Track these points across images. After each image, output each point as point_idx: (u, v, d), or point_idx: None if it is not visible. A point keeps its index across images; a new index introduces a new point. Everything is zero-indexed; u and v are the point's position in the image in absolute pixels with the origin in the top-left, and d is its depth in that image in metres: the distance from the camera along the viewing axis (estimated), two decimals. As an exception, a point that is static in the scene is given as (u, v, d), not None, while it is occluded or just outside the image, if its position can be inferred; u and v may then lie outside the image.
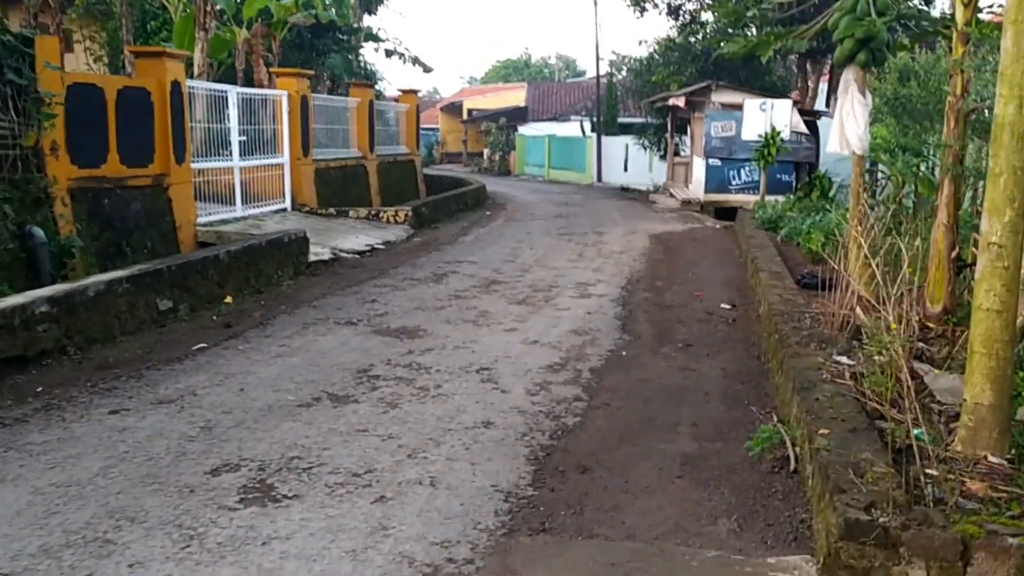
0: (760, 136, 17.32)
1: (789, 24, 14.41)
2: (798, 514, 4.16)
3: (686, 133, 24.46)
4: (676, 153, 24.86)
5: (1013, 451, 4.25)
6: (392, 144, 21.28)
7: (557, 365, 6.80)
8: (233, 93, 13.54)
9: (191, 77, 14.68)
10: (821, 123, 18.47)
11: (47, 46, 9.29)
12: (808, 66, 23.17)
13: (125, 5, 18.97)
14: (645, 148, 27.92)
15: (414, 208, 15.95)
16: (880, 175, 13.99)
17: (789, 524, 4.06)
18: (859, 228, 7.47)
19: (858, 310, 6.66)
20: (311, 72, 17.42)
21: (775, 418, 5.45)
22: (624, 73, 32.47)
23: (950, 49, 8.84)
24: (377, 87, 24.51)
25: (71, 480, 4.42)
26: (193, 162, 12.07)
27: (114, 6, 20.06)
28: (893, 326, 4.78)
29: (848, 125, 7.83)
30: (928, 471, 3.96)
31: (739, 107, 18.40)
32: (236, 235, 11.46)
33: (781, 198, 16.50)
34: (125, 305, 7.60)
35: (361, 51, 25.03)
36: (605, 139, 31.50)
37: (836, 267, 6.88)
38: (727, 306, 9.18)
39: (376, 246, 13.15)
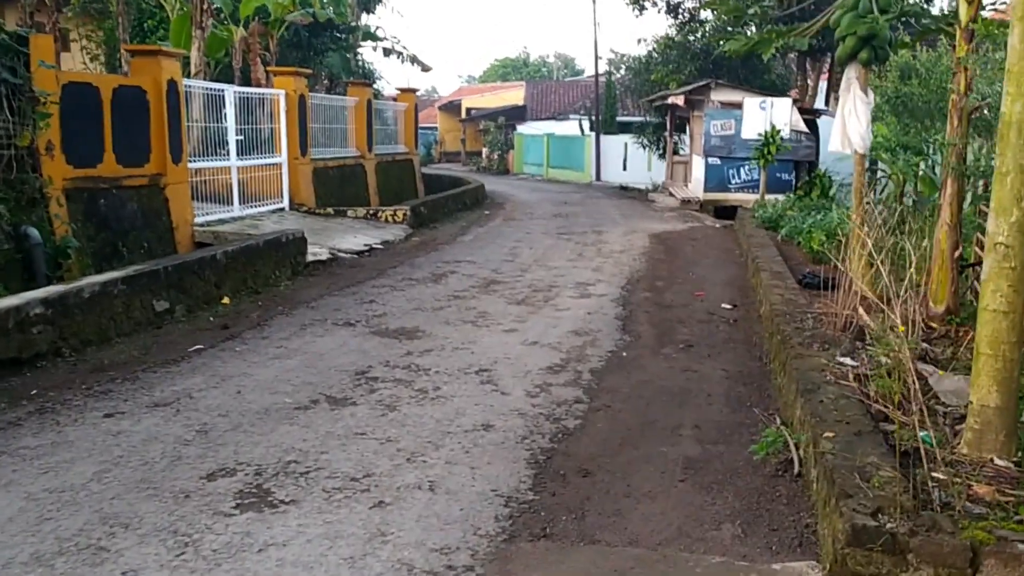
0: (760, 135, 17.25)
1: (789, 22, 14.36)
2: (803, 519, 4.10)
3: (685, 132, 24.40)
4: (675, 152, 24.81)
5: (1020, 454, 4.19)
6: (390, 143, 21.20)
7: (557, 366, 6.74)
8: (230, 92, 13.46)
9: (188, 76, 14.59)
10: (821, 121, 18.42)
11: (42, 45, 9.21)
12: (808, 64, 23.15)
13: (121, 4, 18.86)
14: (644, 147, 27.87)
15: (412, 208, 15.88)
16: (880, 174, 13.93)
17: (794, 529, 4.00)
18: (862, 227, 7.41)
19: (861, 310, 6.60)
20: (309, 71, 17.35)
21: (778, 420, 5.39)
22: (623, 72, 32.47)
23: (952, 47, 8.78)
24: (375, 86, 24.47)
25: (64, 485, 4.35)
26: (190, 162, 12.00)
27: (110, 5, 19.95)
28: (901, 328, 4.71)
29: (850, 123, 7.78)
30: (934, 474, 3.91)
31: (738, 106, 18.34)
32: (233, 235, 11.39)
33: (781, 197, 16.44)
34: (121, 306, 7.53)
35: (359, 50, 24.97)
36: (604, 138, 31.44)
37: (840, 266, 6.82)
38: (728, 306, 9.12)
39: (374, 246, 13.08)
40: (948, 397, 5.12)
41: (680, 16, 24.42)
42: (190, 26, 15.99)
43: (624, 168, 29.90)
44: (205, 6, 15.69)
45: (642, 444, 5.12)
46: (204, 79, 15.06)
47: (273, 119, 14.79)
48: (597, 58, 33.74)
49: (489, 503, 4.24)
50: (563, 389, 6.16)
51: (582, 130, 33.24)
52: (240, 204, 13.51)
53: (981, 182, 8.08)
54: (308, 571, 3.56)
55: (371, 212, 15.56)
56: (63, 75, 9.86)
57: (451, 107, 48.47)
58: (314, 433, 5.16)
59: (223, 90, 13.38)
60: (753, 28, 19.46)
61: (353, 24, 23.51)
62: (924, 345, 6.21)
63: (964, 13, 6.58)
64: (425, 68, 24.94)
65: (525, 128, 37.76)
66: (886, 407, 4.74)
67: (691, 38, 24.11)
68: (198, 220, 11.96)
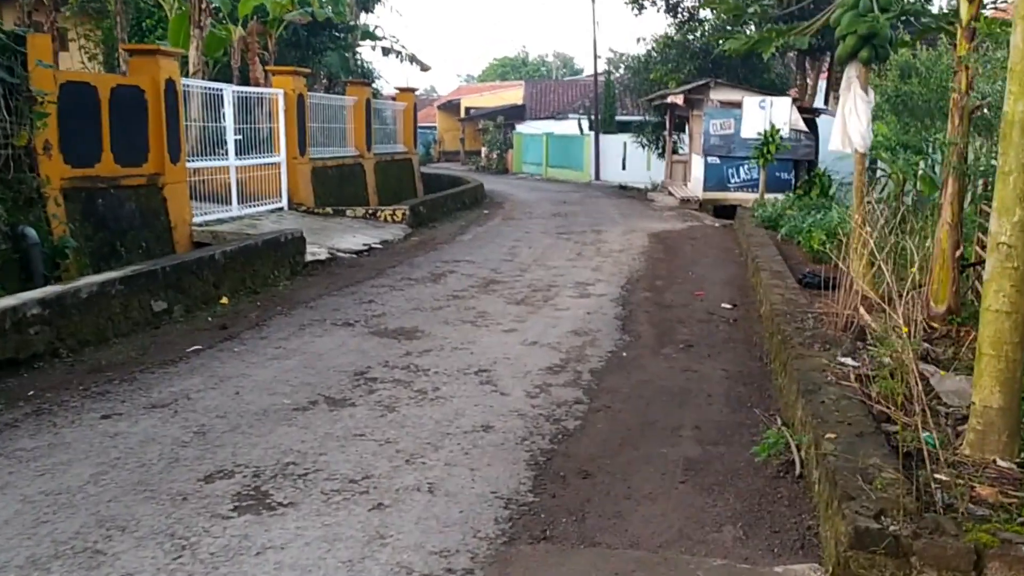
0: (759, 134, 17.23)
1: (789, 21, 14.33)
2: (804, 520, 4.07)
3: (684, 131, 24.38)
4: (674, 151, 24.78)
5: (1022, 455, 4.17)
6: (389, 143, 21.16)
7: (557, 367, 6.71)
8: (229, 91, 13.42)
9: (186, 75, 14.55)
10: (820, 121, 18.41)
11: (39, 44, 9.16)
12: (807, 63, 23.12)
13: (119, 3, 18.83)
14: (643, 146, 27.84)
15: (412, 207, 15.85)
16: (880, 173, 13.90)
17: (796, 531, 3.98)
18: (863, 227, 7.38)
19: (862, 310, 6.57)
20: (307, 70, 17.31)
21: (779, 421, 5.36)
22: (622, 71, 32.46)
23: (952, 46, 8.74)
24: (374, 85, 24.43)
25: (61, 488, 4.32)
26: (188, 161, 11.96)
27: (109, 4, 19.92)
28: (904, 329, 4.68)
29: (851, 122, 7.75)
30: (937, 476, 3.88)
31: (738, 105, 18.31)
32: (232, 235, 11.35)
33: (780, 196, 16.42)
34: (118, 307, 7.50)
35: (358, 49, 24.92)
36: (603, 137, 31.42)
37: (840, 266, 6.79)
38: (728, 306, 9.10)
39: (373, 245, 13.05)
40: (950, 398, 5.09)
41: (679, 15, 24.40)
42: (188, 25, 15.94)
43: (623, 167, 29.87)
44: (203, 5, 15.64)
45: (642, 445, 5.09)
46: (202, 78, 15.01)
47: (272, 118, 14.75)
48: (596, 57, 33.71)
49: (489, 505, 4.21)
50: (563, 389, 6.13)
51: (581, 129, 33.21)
52: (239, 204, 13.48)
53: (981, 181, 8.06)
54: (306, 575, 3.53)
55: (370, 212, 15.53)
56: (61, 74, 9.82)
57: (450, 106, 48.44)
58: (313, 434, 5.13)
59: (221, 89, 13.34)
60: (752, 27, 19.43)
61: (352, 23, 23.48)
62: (925, 345, 6.19)
63: (965, 12, 6.55)
64: (424, 67, 24.92)
65: (524, 127, 37.73)
66: (888, 408, 4.72)
67: (690, 37, 24.08)
68: (196, 220, 11.92)
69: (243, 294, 9.35)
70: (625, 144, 29.64)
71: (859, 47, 7.60)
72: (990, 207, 7.14)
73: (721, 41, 14.30)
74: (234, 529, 3.90)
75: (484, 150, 39.82)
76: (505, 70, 68.64)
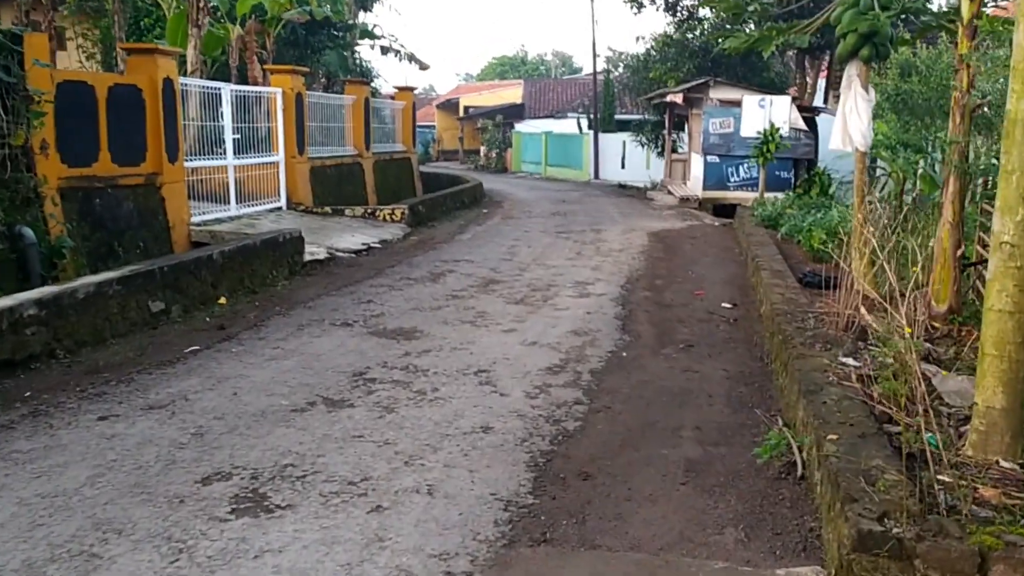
0: (759, 133, 17.20)
1: (788, 19, 14.30)
2: (807, 522, 4.04)
3: (684, 130, 24.33)
4: (674, 150, 24.74)
5: (1026, 456, 4.14)
6: (388, 142, 21.12)
7: (557, 367, 6.68)
8: (227, 90, 13.38)
9: (184, 74, 14.52)
10: (820, 119, 18.38)
11: (36, 43, 9.13)
12: (807, 62, 23.09)
13: (117, 2, 18.78)
14: (642, 145, 27.80)
15: (411, 206, 15.81)
16: (880, 172, 13.87)
17: (798, 533, 3.95)
18: (865, 226, 7.35)
19: (863, 310, 6.54)
20: (306, 69, 17.27)
21: (780, 422, 5.33)
22: (621, 70, 32.40)
23: (952, 44, 8.70)
24: (373, 84, 24.36)
25: (57, 490, 4.29)
26: (186, 160, 11.92)
27: (106, 3, 19.88)
28: (908, 330, 4.65)
29: (851, 121, 7.71)
30: (940, 477, 3.85)
31: (737, 103, 18.28)
32: (230, 235, 11.32)
33: (780, 195, 16.39)
34: (116, 307, 7.46)
35: (356, 48, 24.87)
36: (602, 136, 31.38)
37: (842, 264, 6.76)
38: (728, 305, 9.07)
39: (372, 245, 13.02)
40: (952, 398, 5.06)
41: (679, 14, 24.35)
42: (186, 24, 15.90)
43: (623, 166, 29.83)
44: (201, 4, 15.60)
45: (643, 446, 5.06)
46: (200, 77, 14.97)
47: (270, 117, 14.71)
48: (595, 56, 33.63)
49: (488, 507, 4.18)
50: (563, 390, 6.10)
51: (580, 128, 33.17)
52: (237, 203, 13.44)
53: (980, 180, 8.03)
54: (304, 578, 3.50)
55: (369, 211, 15.49)
56: (58, 73, 9.79)
57: (449, 105, 48.39)
58: (311, 436, 5.10)
59: (220, 88, 13.30)
60: (752, 25, 19.40)
61: (350, 22, 23.43)
62: (927, 345, 6.15)
63: (966, 10, 6.51)
64: (423, 66, 24.88)
65: (523, 126, 37.69)
66: (890, 409, 4.69)
67: (689, 36, 24.05)
68: (195, 219, 11.89)
69: (241, 294, 9.31)
70: (624, 143, 29.59)
71: (860, 45, 7.56)
72: (991, 206, 7.13)
73: (721, 40, 14.25)
74: (231, 532, 3.87)
75: (483, 149, 39.77)
76: (504, 69, 68.60)
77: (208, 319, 8.24)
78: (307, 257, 11.20)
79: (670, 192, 22.00)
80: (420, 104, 38.05)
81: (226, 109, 13.20)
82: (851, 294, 6.62)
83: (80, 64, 21.27)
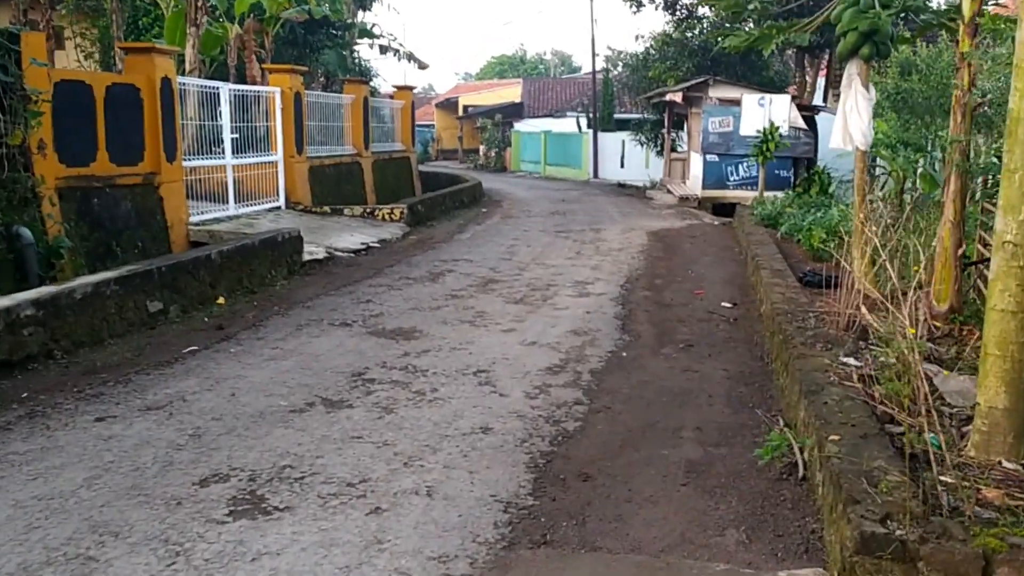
0: (758, 131, 17.17)
1: (788, 18, 14.27)
2: (808, 524, 4.01)
3: (683, 129, 24.31)
4: (673, 149, 24.71)
5: (1029, 456, 4.11)
6: (387, 141, 21.08)
7: (556, 367, 6.65)
8: (225, 90, 13.35)
9: (182, 74, 14.49)
10: (819, 118, 18.36)
11: (33, 42, 9.09)
12: (806, 61, 23.07)
13: (115, 1, 18.72)
14: (642, 144, 27.78)
15: (410, 206, 15.78)
16: (879, 171, 13.85)
17: (799, 535, 3.92)
18: (866, 225, 7.32)
19: (864, 310, 6.51)
20: (305, 68, 17.22)
21: (781, 422, 5.31)
22: (620, 69, 32.33)
23: (953, 42, 8.67)
24: (372, 84, 24.31)
25: (54, 492, 4.26)
26: (185, 160, 11.89)
27: (105, 2, 19.81)
28: (912, 331, 4.62)
29: (851, 120, 7.68)
30: (943, 478, 3.82)
31: (737, 102, 18.26)
32: (229, 234, 11.29)
33: (780, 194, 16.36)
34: (114, 307, 7.43)
35: (355, 47, 24.82)
36: (601, 135, 31.34)
37: (844, 264, 6.73)
38: (728, 305, 9.04)
39: (371, 244, 12.99)
40: (954, 398, 5.03)
41: (678, 12, 24.32)
42: (185, 23, 15.86)
43: (622, 165, 29.80)
44: (200, 3, 15.56)
45: (643, 446, 5.03)
46: (199, 77, 14.94)
47: (269, 117, 14.68)
48: (594, 55, 33.59)
49: (488, 509, 4.15)
50: (562, 390, 6.07)
51: (579, 127, 33.14)
52: (236, 203, 13.40)
53: (980, 179, 8.00)
54: (302, 581, 3.47)
55: (368, 210, 15.46)
56: (55, 73, 9.76)
57: (448, 104, 48.35)
58: (309, 437, 5.07)
59: (218, 88, 13.26)
60: (751, 24, 19.36)
61: (349, 21, 23.36)
62: (928, 344, 6.13)
63: (967, 7, 6.48)
64: (422, 65, 24.83)
65: (522, 125, 37.65)
66: (892, 409, 4.66)
67: (689, 34, 24.02)
68: (193, 219, 11.86)
69: (240, 294, 9.28)
70: (623, 142, 29.57)
71: (860, 44, 7.53)
72: (991, 205, 7.10)
73: (720, 38, 14.22)
74: (229, 534, 3.84)
75: (482, 148, 39.73)
76: (503, 68, 68.54)
77: (206, 319, 8.21)
78: (306, 257, 11.17)
79: (669, 191, 21.97)
80: (419, 103, 38.03)
81: (224, 108, 13.16)
82: (852, 293, 6.59)
83: (78, 63, 21.21)
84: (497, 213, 18.71)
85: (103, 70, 19.58)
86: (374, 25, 31.96)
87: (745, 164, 18.34)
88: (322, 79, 22.88)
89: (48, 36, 17.35)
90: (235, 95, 13.62)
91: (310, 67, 20.31)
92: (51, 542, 3.76)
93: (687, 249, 13.32)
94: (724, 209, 17.92)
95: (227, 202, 13.20)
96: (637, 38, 30.24)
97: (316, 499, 4.21)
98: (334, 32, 21.76)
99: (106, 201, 10.18)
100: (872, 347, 5.91)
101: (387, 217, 15.18)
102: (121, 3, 19.08)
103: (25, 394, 5.84)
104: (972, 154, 7.55)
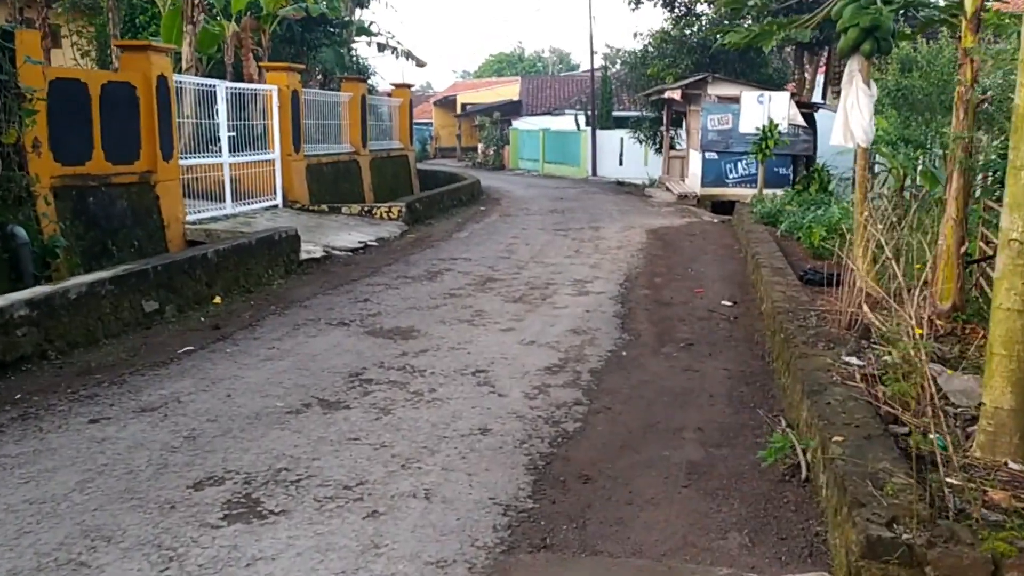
0: (757, 129, 17.10)
1: (788, 14, 14.19)
2: (812, 527, 3.95)
3: (682, 126, 24.25)
4: (672, 147, 24.65)
5: (1036, 458, 4.05)
6: (385, 139, 21.00)
7: (556, 367, 6.58)
8: (222, 88, 13.26)
9: (179, 72, 14.41)
10: (819, 115, 18.30)
11: (28, 40, 9.01)
12: (805, 58, 23.01)
13: (112, -1, 18.66)
14: (640, 142, 27.72)
15: (408, 204, 15.71)
16: (878, 168, 13.80)
17: (803, 538, 3.86)
18: (869, 222, 7.25)
19: (866, 308, 6.45)
20: (302, 66, 17.15)
21: (783, 422, 5.25)
22: (619, 66, 32.30)
23: (953, 38, 8.60)
24: (369, 82, 24.23)
25: (46, 496, 4.19)
26: (181, 158, 11.81)
27: (101, 0, 19.73)
28: (919, 331, 4.56)
29: (853, 117, 7.62)
30: (949, 480, 3.76)
31: (736, 100, 18.19)
32: (226, 233, 11.22)
33: (779, 191, 16.30)
34: (109, 307, 7.36)
35: (353, 45, 24.74)
36: (600, 133, 31.28)
37: (847, 260, 6.66)
38: (728, 303, 8.98)
39: (369, 243, 12.92)
40: (958, 397, 4.97)
41: (676, 10, 24.25)
42: (181, 21, 15.80)
43: (620, 163, 29.74)
44: (197, 1, 15.49)
45: (644, 448, 4.97)
46: (196, 75, 14.86)
47: (266, 115, 14.60)
48: (593, 53, 33.53)
49: (487, 512, 4.08)
50: (562, 390, 6.00)
51: (578, 125, 33.08)
52: (233, 201, 13.32)
53: (980, 176, 7.94)
54: (298, 587, 3.41)
55: (366, 209, 15.39)
56: (50, 71, 9.68)
57: (446, 102, 48.27)
58: (306, 438, 5.00)
59: (215, 86, 13.17)
60: (750, 20, 19.30)
61: (347, 19, 23.28)
62: (931, 343, 6.07)
63: (970, 3, 6.42)
64: (420, 63, 24.74)
65: (520, 123, 37.59)
66: (896, 409, 4.60)
67: (687, 32, 23.95)
68: (190, 218, 11.78)
69: (236, 293, 9.21)
70: (622, 140, 29.51)
71: (861, 40, 7.47)
72: (993, 202, 7.04)
73: (719, 35, 14.16)
74: (223, 539, 3.77)
75: (480, 146, 39.67)
76: (501, 66, 68.43)
77: (203, 319, 8.14)
78: (303, 256, 11.10)
79: (668, 189, 21.91)
80: (417, 101, 37.94)
81: (221, 106, 13.08)
82: (853, 292, 6.53)
83: (75, 62, 21.13)
84: (495, 211, 18.64)
85: (100, 68, 19.48)
86: (372, 23, 31.88)
87: (744, 162, 18.28)
88: (319, 77, 22.81)
89: (44, 34, 17.29)
90: (232, 93, 13.54)
91: (307, 65, 20.25)
92: (42, 547, 3.69)
93: (686, 247, 13.26)
94: (723, 207, 17.86)
95: (224, 201, 13.11)
96: (636, 35, 30.26)
97: (312, 502, 4.15)
98: (331, 30, 21.70)
99: (102, 200, 10.10)
100: (874, 346, 5.85)
101: (385, 215, 15.11)
102: (118, 1, 19.02)
103: (18, 395, 5.77)
104: (972, 151, 7.49)
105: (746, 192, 17.76)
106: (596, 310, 8.62)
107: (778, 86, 21.50)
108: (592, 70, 33.17)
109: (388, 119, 21.45)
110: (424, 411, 5.51)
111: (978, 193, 7.78)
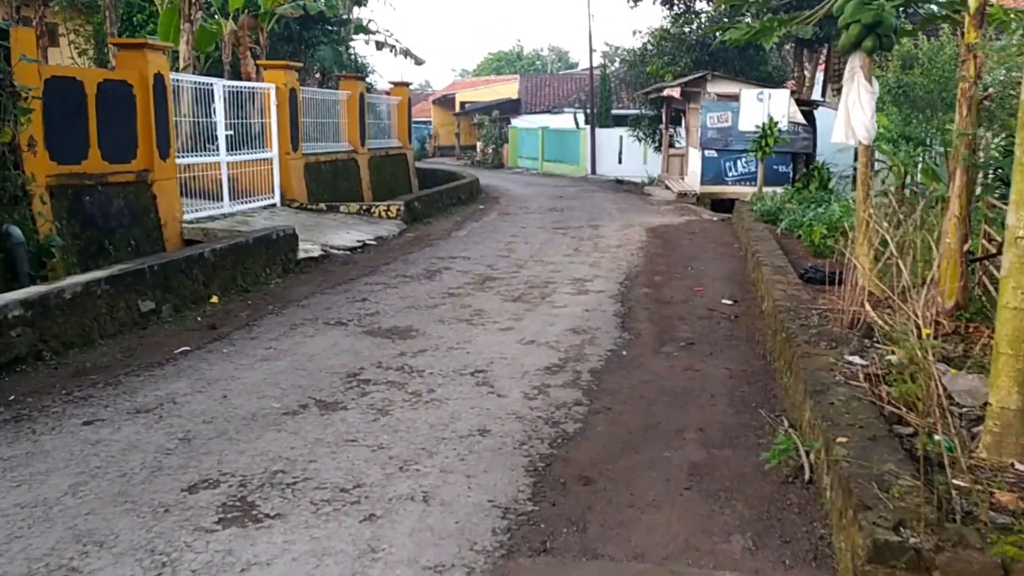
0: (757, 127, 17.03)
1: (787, 11, 14.13)
2: (816, 529, 3.89)
3: (681, 124, 24.18)
4: (671, 145, 24.58)
5: (1043, 458, 3.99)
6: (384, 137, 20.93)
7: (555, 366, 6.52)
8: (219, 86, 13.19)
9: (177, 70, 14.34)
10: (818, 113, 18.22)
11: (23, 38, 8.94)
12: (805, 55, 22.94)
13: (109, -3, 18.56)
14: (639, 140, 27.65)
15: (406, 203, 15.65)
16: (879, 165, 13.74)
17: (808, 541, 3.79)
18: (872, 220, 7.19)
19: (868, 307, 6.39)
20: (300, 64, 17.08)
21: (786, 423, 5.19)
22: (618, 64, 32.23)
23: (955, 35, 8.53)
24: (368, 80, 24.15)
25: (38, 500, 4.12)
26: (178, 157, 11.74)
27: (98, -1, 19.66)
28: (927, 331, 4.50)
29: (854, 114, 7.55)
30: (955, 482, 3.70)
31: (735, 97, 18.12)
32: (223, 232, 11.15)
33: (779, 189, 16.23)
34: (104, 307, 7.29)
35: (351, 43, 24.66)
36: (599, 131, 31.20)
37: (850, 258, 6.60)
38: (729, 302, 8.92)
39: (367, 242, 12.85)
40: (963, 397, 4.91)
41: (675, 7, 24.18)
42: (179, 19, 15.72)
43: (619, 161, 29.66)
44: (193, -1, 15.42)
45: (645, 449, 4.91)
46: (193, 73, 14.79)
47: (264, 113, 14.53)
48: (592, 51, 33.42)
49: (486, 515, 4.02)
50: (562, 391, 5.94)
51: (577, 123, 32.99)
52: (230, 200, 13.25)
53: (981, 174, 7.88)
54: (294, 592, 3.35)
55: (364, 207, 15.33)
56: (46, 69, 9.61)
57: (445, 101, 48.18)
58: (302, 440, 4.94)
59: (212, 84, 13.10)
60: (749, 18, 19.23)
61: (345, 17, 23.20)
62: (936, 343, 6.01)
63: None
64: (418, 62, 24.67)
65: (519, 122, 37.51)
66: (900, 409, 4.54)
67: (687, 29, 23.87)
68: (187, 217, 11.71)
69: (234, 293, 9.15)
70: (621, 138, 29.44)
71: (863, 36, 7.40)
72: (995, 199, 6.97)
73: (719, 33, 14.09)
74: (218, 544, 3.71)
75: (479, 145, 39.58)
76: (500, 64, 68.36)
77: (199, 319, 8.07)
78: (301, 255, 11.04)
79: (668, 187, 21.84)
80: (416, 100, 37.87)
81: (219, 105, 13.01)
82: (855, 290, 6.47)
83: (72, 60, 21.05)
84: (494, 210, 18.57)
85: (98, 67, 19.42)
86: (370, 21, 31.69)
87: (744, 159, 18.21)
88: (318, 75, 22.72)
89: (41, 33, 17.18)
90: (230, 91, 13.46)
91: (305, 63, 20.17)
92: (33, 552, 3.63)
93: (686, 245, 13.20)
94: (723, 205, 17.80)
95: (222, 199, 13.05)
96: (635, 33, 30.28)
97: (308, 506, 4.09)
98: (329, 28, 21.61)
99: (98, 199, 10.03)
100: (877, 345, 5.79)
101: (383, 214, 15.05)
102: (115, -1, 18.93)
103: (12, 397, 5.70)
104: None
105: (746, 190, 17.70)
106: (596, 309, 8.56)
107: (777, 84, 21.45)
108: (591, 68, 33.08)
109: (387, 117, 21.38)
110: (422, 412, 5.44)
111: (979, 191, 7.71)
